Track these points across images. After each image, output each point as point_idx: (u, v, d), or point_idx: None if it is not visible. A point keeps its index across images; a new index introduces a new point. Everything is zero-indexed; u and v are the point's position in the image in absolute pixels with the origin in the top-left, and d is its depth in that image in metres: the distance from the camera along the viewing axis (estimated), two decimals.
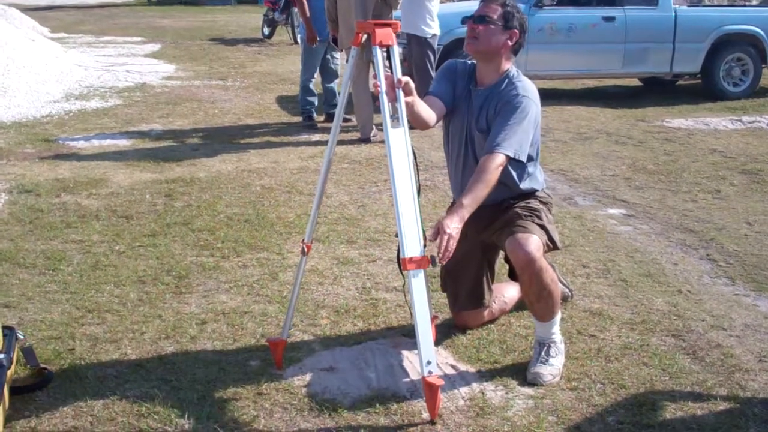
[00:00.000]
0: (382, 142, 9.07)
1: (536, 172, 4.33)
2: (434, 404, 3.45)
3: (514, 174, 4.18)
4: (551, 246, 4.19)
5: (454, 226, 3.62)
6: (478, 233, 4.27)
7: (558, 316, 4.14)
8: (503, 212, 4.23)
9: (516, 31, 4.10)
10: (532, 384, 3.93)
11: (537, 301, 4.04)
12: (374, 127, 9.16)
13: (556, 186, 7.45)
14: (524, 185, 4.26)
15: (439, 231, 3.58)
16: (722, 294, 5.04)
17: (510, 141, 3.93)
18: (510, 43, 4.11)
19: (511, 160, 3.97)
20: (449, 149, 4.39)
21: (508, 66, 4.17)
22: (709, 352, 4.25)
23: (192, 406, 3.68)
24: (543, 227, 4.14)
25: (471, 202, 3.78)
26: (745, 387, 3.90)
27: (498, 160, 3.89)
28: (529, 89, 4.09)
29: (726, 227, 6.29)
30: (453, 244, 3.57)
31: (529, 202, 4.25)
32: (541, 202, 4.31)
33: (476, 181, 3.86)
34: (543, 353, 4.05)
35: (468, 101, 4.20)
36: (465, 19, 4.40)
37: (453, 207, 3.97)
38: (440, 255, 3.52)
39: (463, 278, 4.46)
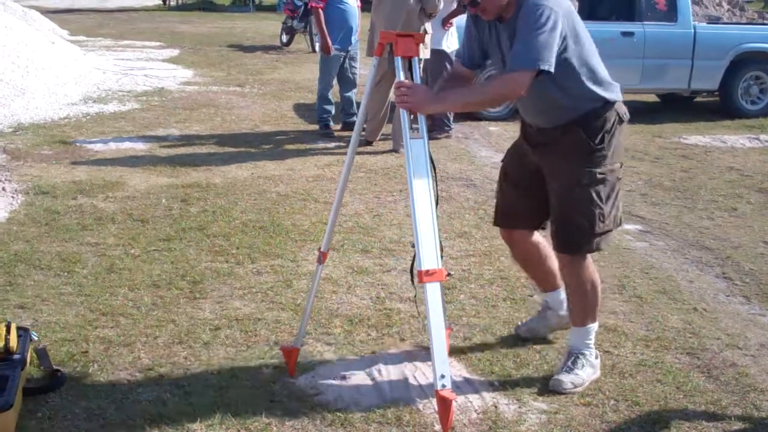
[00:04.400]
0: (387, 152, 9.21)
1: (587, 87, 3.87)
2: (447, 418, 3.42)
3: (552, 91, 3.83)
4: (596, 245, 4.02)
5: (424, 95, 3.60)
6: (537, 153, 4.09)
7: (592, 326, 4.14)
8: (557, 165, 3.99)
9: None
10: (553, 391, 3.95)
11: (572, 294, 4.15)
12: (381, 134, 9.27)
13: None
14: (571, 103, 3.89)
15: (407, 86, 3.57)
16: (738, 313, 5.01)
17: (521, 55, 3.60)
18: None
19: (539, 73, 3.59)
20: None
21: None
22: (723, 371, 4.23)
23: (204, 412, 3.68)
24: (591, 221, 3.92)
25: (453, 102, 3.81)
26: (760, 407, 3.87)
27: (506, 78, 3.68)
28: None
29: (742, 245, 6.26)
30: (407, 98, 3.55)
31: (586, 171, 3.90)
32: (598, 163, 3.91)
33: (468, 89, 3.88)
34: (570, 362, 4.06)
35: (497, 41, 3.88)
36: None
37: (439, 93, 3.88)
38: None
39: (507, 194, 4.34)
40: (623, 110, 4.03)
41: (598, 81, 3.91)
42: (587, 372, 4.05)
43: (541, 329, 4.55)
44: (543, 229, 4.29)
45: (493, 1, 3.75)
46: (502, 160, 4.40)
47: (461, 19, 10.08)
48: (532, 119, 4.10)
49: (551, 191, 4.05)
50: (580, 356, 4.07)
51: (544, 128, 4.04)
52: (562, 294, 4.41)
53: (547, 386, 4.00)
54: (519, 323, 4.63)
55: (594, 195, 3.92)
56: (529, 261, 4.44)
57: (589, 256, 4.05)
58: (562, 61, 3.70)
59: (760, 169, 8.96)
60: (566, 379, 3.98)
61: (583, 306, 4.11)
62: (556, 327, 4.54)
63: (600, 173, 3.92)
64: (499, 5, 3.75)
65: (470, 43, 4.04)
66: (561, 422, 3.70)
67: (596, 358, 4.15)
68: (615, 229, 4.07)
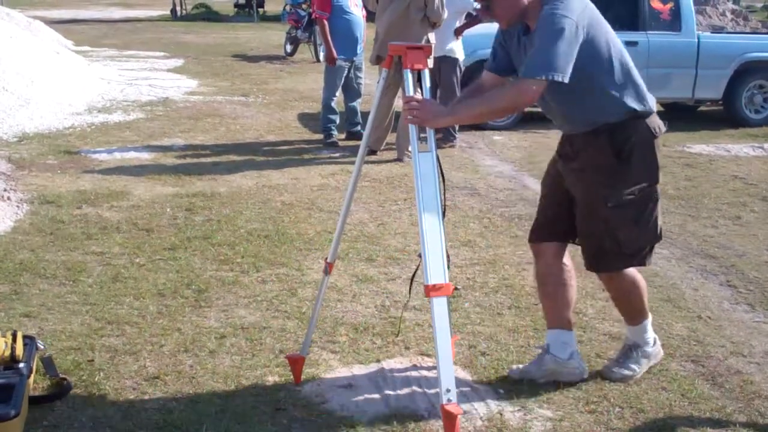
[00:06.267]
0: (391, 161, 9.22)
1: (612, 95, 3.77)
2: None
3: (574, 99, 3.78)
4: (630, 263, 4.01)
5: (433, 109, 3.57)
6: (565, 167, 4.04)
7: (646, 322, 4.25)
8: (583, 176, 3.93)
9: None
10: (604, 377, 4.18)
11: (615, 302, 4.27)
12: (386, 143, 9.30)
13: None
14: (595, 111, 3.81)
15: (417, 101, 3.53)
16: (742, 320, 5.02)
17: (534, 64, 3.55)
18: None
19: (552, 83, 3.54)
20: None
21: None
22: (728, 378, 4.23)
23: (210, 420, 3.69)
24: (619, 243, 3.89)
25: (463, 114, 3.78)
26: (765, 414, 3.88)
27: (517, 87, 3.63)
28: (561, 4, 3.58)
29: (746, 254, 6.26)
30: (416, 113, 3.52)
31: (612, 192, 3.83)
32: (623, 182, 3.82)
33: (478, 99, 3.83)
34: (623, 355, 4.26)
35: (524, 52, 3.78)
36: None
37: (450, 106, 3.88)
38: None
39: (543, 205, 4.29)
40: (656, 123, 3.91)
41: (626, 90, 3.80)
42: (642, 363, 4.22)
43: (536, 373, 4.15)
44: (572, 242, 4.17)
45: (505, 8, 3.72)
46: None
47: (468, 31, 10.14)
48: (560, 125, 4.07)
49: (576, 205, 4.00)
50: (634, 349, 4.22)
51: (571, 135, 4.00)
52: (565, 336, 4.16)
53: (551, 393, 4.00)
54: (513, 366, 4.29)
55: (620, 217, 3.86)
56: (547, 280, 4.18)
57: (626, 271, 4.03)
58: (582, 70, 3.60)
59: (764, 177, 8.96)
60: (616, 370, 4.19)
61: (628, 310, 4.23)
62: (550, 375, 4.13)
63: (627, 194, 3.83)
64: (511, 13, 3.72)
65: (500, 52, 4.00)
66: (566, 429, 3.71)
67: (654, 344, 4.29)
68: (655, 244, 4.02)
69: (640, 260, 4.01)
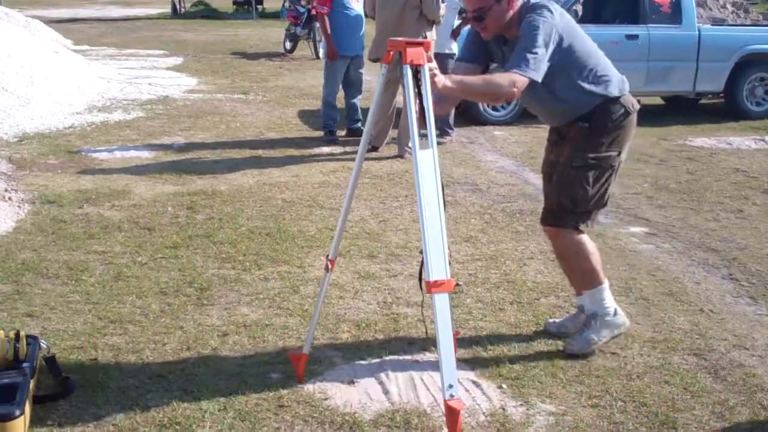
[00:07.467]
0: (392, 158, 9.22)
1: (586, 89, 4.15)
2: (455, 428, 3.35)
3: (551, 96, 4.17)
4: (576, 222, 4.34)
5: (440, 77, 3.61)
6: (553, 149, 4.46)
7: (599, 287, 4.40)
8: (563, 150, 4.32)
9: None
10: (569, 354, 4.34)
11: (564, 263, 4.53)
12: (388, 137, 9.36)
13: None
14: (573, 104, 4.19)
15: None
16: (744, 313, 5.02)
17: (519, 62, 3.87)
18: (513, 3, 4.07)
19: (534, 83, 3.91)
20: None
21: (518, 4, 4.08)
22: (731, 371, 4.24)
23: (213, 418, 3.70)
24: (574, 201, 4.24)
25: (459, 85, 3.80)
26: (767, 407, 3.88)
27: (506, 76, 3.87)
28: (537, 7, 4.00)
29: (748, 247, 6.26)
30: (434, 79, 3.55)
31: (580, 154, 4.22)
32: (593, 148, 4.21)
33: (478, 78, 4.01)
34: (584, 326, 4.45)
35: (503, 57, 4.17)
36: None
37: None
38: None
39: (544, 189, 4.59)
40: (630, 102, 4.28)
41: (597, 80, 4.15)
42: (602, 333, 4.38)
43: (571, 328, 4.60)
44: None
45: (497, 20, 4.07)
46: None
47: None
48: (545, 121, 4.52)
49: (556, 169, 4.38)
50: (593, 318, 4.38)
51: (556, 127, 4.42)
52: (599, 294, 4.48)
53: (555, 388, 4.01)
54: (549, 319, 4.78)
55: (582, 178, 4.22)
56: (563, 255, 4.53)
57: (576, 230, 4.34)
58: (557, 70, 4.02)
59: (766, 170, 8.96)
60: (573, 342, 4.37)
61: (576, 272, 4.44)
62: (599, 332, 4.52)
63: (592, 158, 4.21)
64: (500, 24, 4.08)
65: (475, 45, 4.30)
66: (569, 424, 3.71)
67: (615, 314, 4.43)
68: (597, 211, 4.36)
69: (587, 221, 4.35)
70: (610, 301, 4.44)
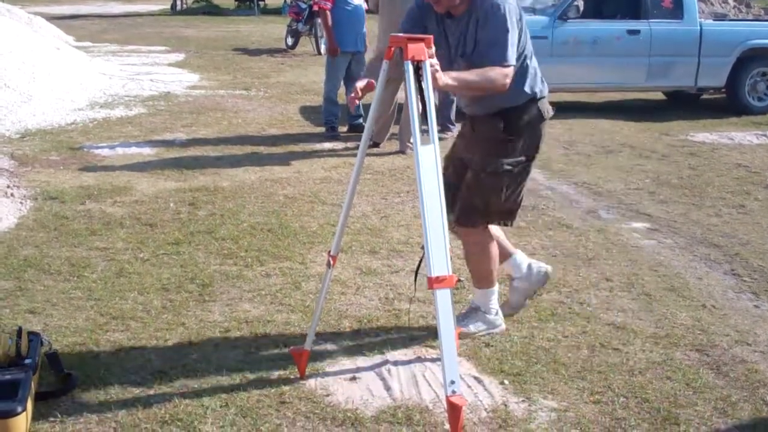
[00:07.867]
0: (394, 153, 9.21)
1: (520, 81, 4.18)
2: (457, 424, 3.35)
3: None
4: (494, 222, 4.48)
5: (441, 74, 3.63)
6: (461, 143, 4.55)
7: (489, 290, 4.53)
8: (474, 148, 4.37)
9: None
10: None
11: (468, 260, 4.56)
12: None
13: (579, 199, 7.44)
14: (500, 102, 4.20)
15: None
16: (747, 309, 5.01)
17: (501, 53, 3.94)
18: None
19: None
20: None
21: None
22: (733, 367, 4.23)
23: (215, 414, 3.70)
24: (487, 204, 4.33)
25: (458, 81, 3.83)
26: None
27: (498, 71, 3.93)
28: None
29: (751, 242, 6.26)
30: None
31: (494, 160, 4.26)
32: (506, 154, 4.27)
33: (474, 74, 3.97)
34: (464, 313, 4.59)
35: (444, 35, 4.18)
36: None
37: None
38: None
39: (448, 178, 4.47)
40: (546, 107, 4.35)
41: (528, 78, 4.22)
42: (479, 327, 4.52)
43: (518, 299, 4.81)
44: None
45: None
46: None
47: None
48: (465, 106, 4.48)
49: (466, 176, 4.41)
50: (476, 311, 4.55)
51: (474, 116, 4.42)
52: (518, 258, 4.75)
53: (556, 384, 4.01)
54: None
55: (495, 185, 4.29)
56: (467, 255, 4.63)
57: (485, 232, 4.45)
58: None
59: None
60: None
61: (476, 271, 4.53)
62: (529, 291, 4.81)
63: (507, 164, 4.26)
64: (452, 1, 4.06)
65: (412, 23, 4.24)
66: (571, 420, 3.71)
67: (496, 314, 4.58)
68: (516, 210, 4.46)
69: (501, 221, 4.48)
70: (495, 304, 4.58)
